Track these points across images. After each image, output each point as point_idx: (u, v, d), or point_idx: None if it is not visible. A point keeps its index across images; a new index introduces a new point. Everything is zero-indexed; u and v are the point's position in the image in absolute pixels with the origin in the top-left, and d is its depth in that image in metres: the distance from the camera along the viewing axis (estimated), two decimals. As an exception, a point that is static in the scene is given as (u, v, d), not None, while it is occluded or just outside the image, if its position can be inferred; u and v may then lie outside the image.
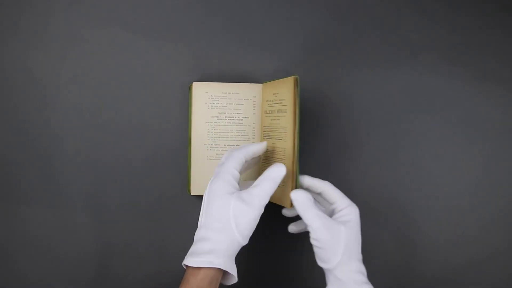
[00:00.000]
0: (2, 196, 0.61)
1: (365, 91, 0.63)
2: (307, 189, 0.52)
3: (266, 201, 0.47)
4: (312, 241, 0.49)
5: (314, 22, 0.62)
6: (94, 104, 0.61)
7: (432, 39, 0.63)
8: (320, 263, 0.49)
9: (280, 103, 0.53)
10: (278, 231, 0.58)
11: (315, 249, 0.49)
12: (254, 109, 0.59)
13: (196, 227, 0.48)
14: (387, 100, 0.63)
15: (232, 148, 0.53)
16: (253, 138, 0.59)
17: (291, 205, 0.50)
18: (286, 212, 0.57)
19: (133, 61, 0.61)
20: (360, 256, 0.50)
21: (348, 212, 0.50)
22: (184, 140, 0.62)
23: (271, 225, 0.60)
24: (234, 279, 0.47)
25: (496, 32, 0.63)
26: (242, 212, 0.46)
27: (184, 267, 0.47)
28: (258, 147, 0.52)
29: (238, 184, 0.49)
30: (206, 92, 0.59)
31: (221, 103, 0.59)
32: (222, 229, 0.45)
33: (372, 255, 0.63)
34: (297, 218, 0.56)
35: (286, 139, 0.51)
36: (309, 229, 0.49)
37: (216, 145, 0.59)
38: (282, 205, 0.53)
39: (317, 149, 0.62)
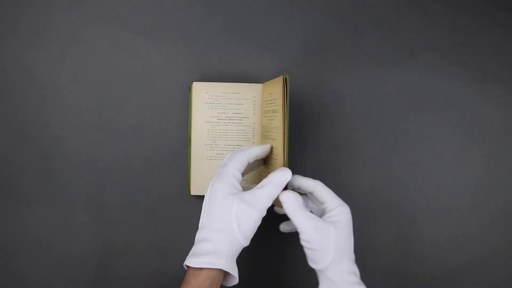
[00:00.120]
0: (2, 196, 0.61)
1: (365, 91, 0.63)
2: (298, 188, 0.51)
3: (269, 204, 0.47)
4: (302, 242, 0.48)
5: (314, 22, 0.62)
6: (94, 104, 0.61)
7: (432, 39, 0.63)
8: (311, 264, 0.49)
9: (273, 102, 0.53)
10: (278, 232, 0.58)
11: (306, 250, 0.49)
12: (254, 109, 0.59)
13: (196, 227, 0.48)
14: (387, 100, 0.63)
15: (235, 150, 0.53)
16: (253, 138, 0.59)
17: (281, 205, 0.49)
18: (278, 209, 0.57)
19: (133, 61, 0.61)
20: (352, 257, 0.49)
21: (339, 212, 0.49)
22: (184, 140, 0.62)
23: (271, 225, 0.60)
24: (235, 280, 0.47)
25: (496, 32, 0.63)
26: (245, 213, 0.46)
27: (186, 268, 0.47)
28: (261, 150, 0.52)
29: (241, 185, 0.49)
30: (206, 92, 0.59)
31: (221, 103, 0.59)
32: (224, 230, 0.45)
33: (372, 255, 0.63)
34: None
35: (278, 139, 0.51)
36: (298, 230, 0.48)
37: (216, 145, 0.59)
38: (274, 204, 0.53)
39: (317, 149, 0.62)
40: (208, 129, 0.59)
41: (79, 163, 0.61)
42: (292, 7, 0.62)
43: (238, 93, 0.59)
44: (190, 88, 0.60)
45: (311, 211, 0.54)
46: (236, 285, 0.49)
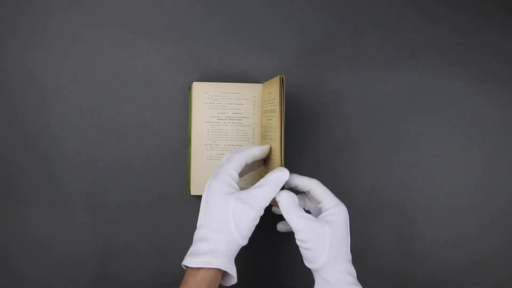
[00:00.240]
0: (2, 196, 0.61)
1: (365, 91, 0.63)
2: (295, 187, 0.51)
3: (267, 204, 0.47)
4: (298, 242, 0.48)
5: (314, 22, 0.62)
6: (94, 104, 0.61)
7: (432, 39, 0.63)
8: (307, 264, 0.49)
9: (271, 102, 0.53)
10: (276, 231, 0.58)
11: (301, 250, 0.49)
12: (254, 109, 0.59)
13: (196, 227, 0.48)
14: (387, 100, 0.63)
15: (234, 150, 0.53)
16: (253, 138, 0.59)
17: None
18: (275, 209, 0.57)
19: (133, 61, 0.61)
20: (348, 257, 0.49)
21: (336, 211, 0.49)
22: (184, 140, 0.62)
23: (269, 225, 0.60)
24: (234, 280, 0.47)
25: (496, 32, 0.63)
26: (242, 212, 0.46)
27: (184, 268, 0.47)
28: (260, 150, 0.52)
29: (238, 185, 0.49)
30: (206, 92, 0.59)
31: (221, 103, 0.59)
32: (221, 230, 0.45)
33: (372, 255, 0.63)
34: None
35: (276, 139, 0.51)
36: (293, 230, 0.48)
37: (216, 145, 0.59)
38: (272, 203, 0.53)
39: (317, 149, 0.62)
40: (208, 129, 0.59)
41: (79, 163, 0.61)
42: (292, 7, 0.62)
43: (238, 93, 0.59)
44: (190, 88, 0.60)
45: (308, 211, 0.54)
46: (235, 285, 0.49)
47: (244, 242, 0.47)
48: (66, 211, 0.62)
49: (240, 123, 0.59)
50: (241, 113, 0.59)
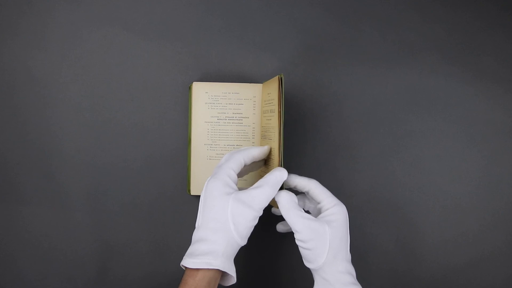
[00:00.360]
0: (2, 196, 0.61)
1: (365, 91, 0.63)
2: (295, 188, 0.51)
3: (265, 204, 0.47)
4: (297, 242, 0.48)
5: (314, 22, 0.62)
6: (94, 104, 0.61)
7: (432, 39, 0.63)
8: (306, 263, 0.49)
9: (271, 102, 0.53)
10: (275, 232, 0.58)
11: (300, 250, 0.49)
12: (254, 109, 0.59)
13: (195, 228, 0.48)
14: (387, 100, 0.63)
15: (233, 150, 0.53)
16: (253, 138, 0.59)
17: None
18: (275, 210, 0.57)
19: (133, 61, 0.62)
20: (348, 256, 0.49)
21: (336, 211, 0.49)
22: (184, 140, 0.62)
23: (268, 225, 0.60)
24: (233, 280, 0.47)
25: (496, 32, 0.63)
26: (241, 212, 0.45)
27: (183, 268, 0.46)
28: (259, 151, 0.51)
29: (237, 185, 0.49)
30: (206, 92, 0.59)
31: (221, 103, 0.59)
32: (220, 230, 0.45)
33: (372, 255, 0.63)
34: None
35: (275, 139, 0.51)
36: (293, 230, 0.48)
37: (216, 145, 0.59)
38: (271, 204, 0.53)
39: (317, 149, 0.62)
40: (208, 129, 0.59)
41: (79, 162, 0.61)
42: (292, 7, 0.62)
43: (238, 93, 0.59)
44: (190, 88, 0.60)
45: (307, 211, 0.54)
46: (234, 285, 0.49)
47: (243, 242, 0.47)
48: (65, 210, 0.62)
49: (240, 123, 0.59)
50: (241, 113, 0.59)
